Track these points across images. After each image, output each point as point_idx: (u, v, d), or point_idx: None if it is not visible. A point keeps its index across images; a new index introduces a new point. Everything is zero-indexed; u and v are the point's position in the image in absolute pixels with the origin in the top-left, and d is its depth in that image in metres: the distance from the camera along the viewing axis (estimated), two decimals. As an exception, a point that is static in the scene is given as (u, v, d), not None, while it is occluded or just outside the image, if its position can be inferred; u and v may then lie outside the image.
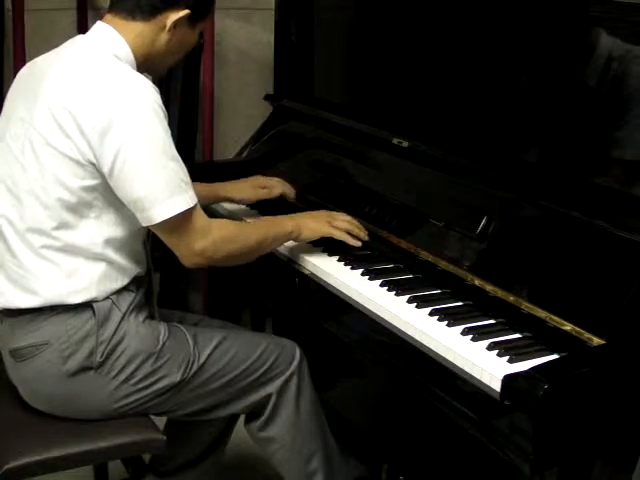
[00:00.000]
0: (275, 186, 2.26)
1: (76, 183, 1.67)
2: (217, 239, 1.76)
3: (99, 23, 1.77)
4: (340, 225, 1.97)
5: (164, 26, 1.74)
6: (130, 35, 1.74)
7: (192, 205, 1.69)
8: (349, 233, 1.97)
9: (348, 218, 2.01)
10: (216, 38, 2.85)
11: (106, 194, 1.69)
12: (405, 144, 2.09)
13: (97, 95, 1.63)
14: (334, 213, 2.02)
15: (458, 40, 1.99)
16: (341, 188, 2.21)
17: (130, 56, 1.74)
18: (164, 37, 1.76)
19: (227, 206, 2.31)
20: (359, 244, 1.95)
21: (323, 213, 2.02)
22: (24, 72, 1.83)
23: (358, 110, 2.33)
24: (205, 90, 2.87)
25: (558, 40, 1.77)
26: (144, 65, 1.79)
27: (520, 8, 1.84)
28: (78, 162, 1.65)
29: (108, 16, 1.77)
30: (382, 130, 2.17)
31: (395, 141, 2.11)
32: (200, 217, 1.74)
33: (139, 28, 1.74)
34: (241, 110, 3.04)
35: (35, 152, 1.68)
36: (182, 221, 1.70)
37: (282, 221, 1.99)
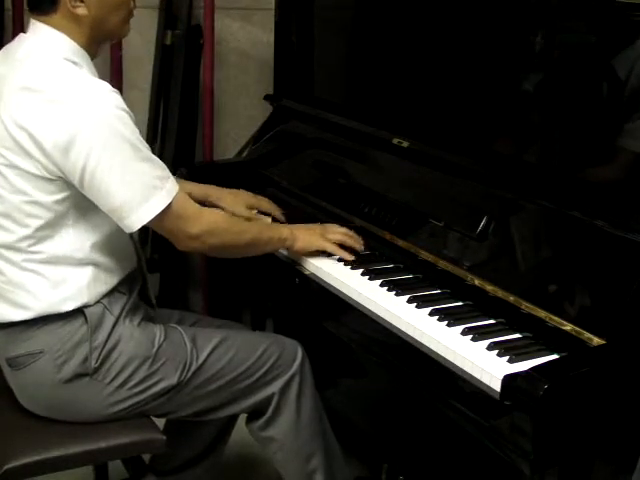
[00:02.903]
0: (266, 207, 2.23)
1: (49, 199, 1.65)
2: (211, 224, 1.77)
3: (35, 23, 1.69)
4: (334, 238, 1.97)
5: (68, 5, 1.65)
6: (60, 26, 1.66)
7: (171, 199, 1.67)
8: (344, 245, 1.96)
9: (342, 230, 2.00)
10: (216, 38, 2.85)
11: (80, 201, 1.67)
12: (405, 144, 2.09)
13: (54, 112, 1.59)
14: (328, 226, 2.02)
15: (458, 40, 1.99)
16: (341, 188, 2.21)
17: (77, 49, 1.68)
18: (81, 12, 1.67)
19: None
20: (352, 258, 1.94)
21: (318, 226, 2.02)
22: None
23: (358, 110, 2.33)
24: (205, 90, 2.87)
25: (557, 41, 1.77)
26: (97, 40, 1.72)
27: (517, 8, 1.84)
28: (46, 179, 1.63)
29: (33, 20, 1.70)
30: (382, 130, 2.17)
31: (395, 141, 2.11)
32: (186, 203, 1.73)
33: (58, 19, 1.67)
34: (241, 110, 3.04)
35: (4, 175, 1.65)
36: (167, 214, 1.68)
37: (278, 226, 2.00)
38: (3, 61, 1.72)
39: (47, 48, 1.67)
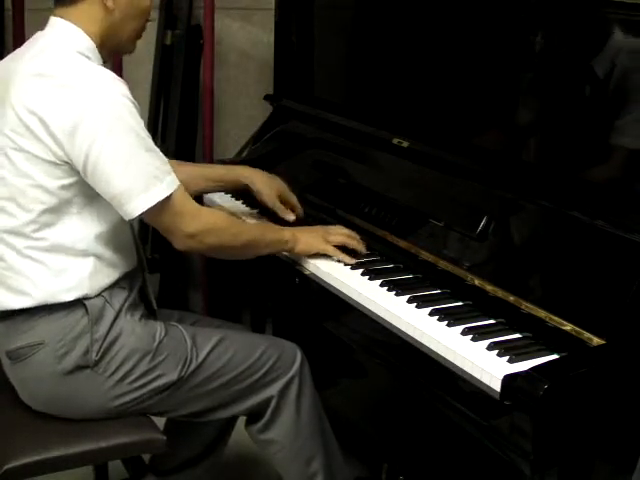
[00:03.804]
0: (296, 206, 2.15)
1: (54, 184, 1.66)
2: (210, 223, 1.77)
3: (53, 19, 1.73)
4: (336, 240, 1.96)
5: None
6: (81, 21, 1.71)
7: (171, 192, 1.68)
8: (345, 247, 1.95)
9: (344, 232, 1.99)
10: (216, 38, 2.85)
11: (85, 189, 1.69)
12: (405, 144, 2.09)
13: (63, 96, 1.62)
14: (330, 228, 2.01)
15: (458, 40, 1.99)
16: (341, 188, 2.21)
17: (92, 46, 1.71)
18: (110, 6, 1.71)
19: (226, 204, 2.31)
20: (354, 262, 1.93)
21: (320, 228, 2.01)
22: None
23: (358, 110, 2.33)
24: (205, 90, 2.88)
25: (557, 41, 1.78)
26: (108, 45, 1.76)
27: (516, 9, 1.84)
28: (53, 163, 1.65)
29: (57, 10, 1.73)
30: (382, 130, 2.17)
31: (395, 141, 2.11)
32: (185, 200, 1.73)
33: (84, 9, 1.71)
34: (241, 110, 3.05)
35: (10, 159, 1.67)
36: (165, 208, 1.69)
37: (279, 229, 1.98)
38: (15, 57, 1.75)
39: (63, 41, 1.70)
